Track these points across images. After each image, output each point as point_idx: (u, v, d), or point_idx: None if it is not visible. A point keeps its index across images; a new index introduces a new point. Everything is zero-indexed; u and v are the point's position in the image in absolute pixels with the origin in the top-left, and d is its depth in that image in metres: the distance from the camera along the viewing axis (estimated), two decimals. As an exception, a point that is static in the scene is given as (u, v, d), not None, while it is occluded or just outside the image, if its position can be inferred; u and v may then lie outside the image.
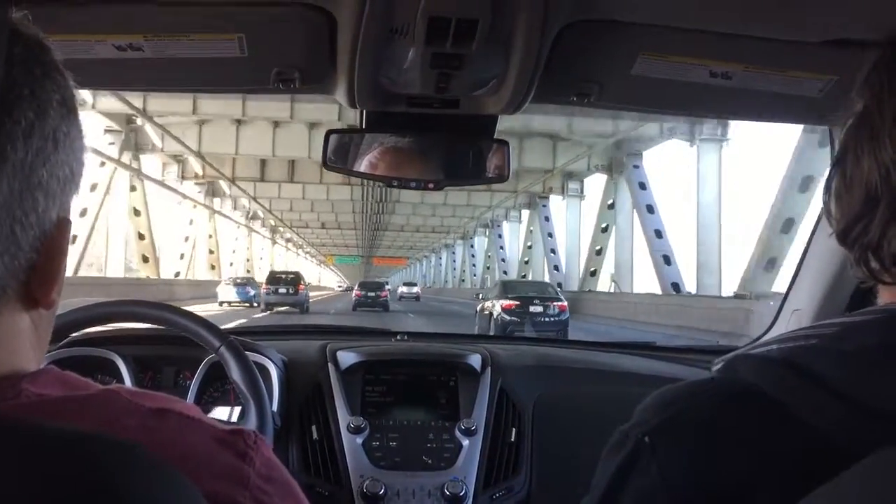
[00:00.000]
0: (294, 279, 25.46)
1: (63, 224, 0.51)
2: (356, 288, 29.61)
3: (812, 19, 0.90)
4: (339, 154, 1.24)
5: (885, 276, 0.55)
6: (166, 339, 1.58)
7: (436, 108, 1.14)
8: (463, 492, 1.42)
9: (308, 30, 0.97)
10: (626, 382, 1.64)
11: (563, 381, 1.68)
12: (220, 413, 1.53)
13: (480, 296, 23.94)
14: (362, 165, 1.23)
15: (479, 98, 1.12)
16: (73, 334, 1.46)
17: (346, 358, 1.60)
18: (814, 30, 0.91)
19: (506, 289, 17.26)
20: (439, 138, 1.24)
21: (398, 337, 1.91)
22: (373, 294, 27.64)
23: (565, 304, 16.44)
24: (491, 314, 16.15)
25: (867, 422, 0.49)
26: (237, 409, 1.50)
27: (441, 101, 1.12)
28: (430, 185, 1.26)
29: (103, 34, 0.95)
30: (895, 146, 0.53)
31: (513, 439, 1.52)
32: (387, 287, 31.23)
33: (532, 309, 15.82)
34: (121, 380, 1.52)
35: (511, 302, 15.89)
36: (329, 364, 1.59)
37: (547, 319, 15.77)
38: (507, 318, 15.49)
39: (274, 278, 25.71)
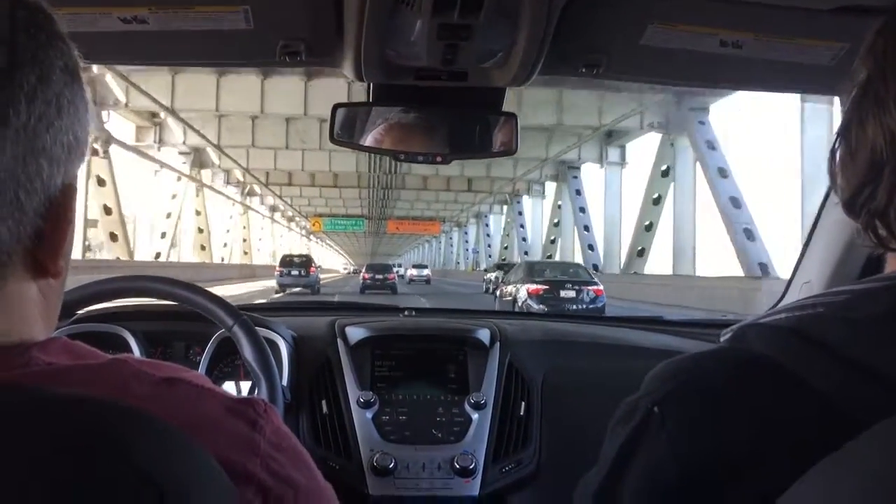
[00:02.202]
0: (305, 262, 27.05)
1: (69, 190, 0.50)
2: (363, 271, 29.96)
3: None
4: (347, 128, 1.24)
5: (893, 243, 0.55)
6: (175, 315, 1.57)
7: (443, 81, 1.13)
8: (472, 465, 1.43)
9: (314, 1, 0.97)
10: (634, 356, 1.63)
11: (572, 356, 1.68)
12: (230, 388, 1.54)
13: (496, 278, 22.98)
14: (369, 139, 1.23)
15: (487, 70, 1.11)
16: (82, 310, 1.46)
17: (355, 333, 1.61)
18: None
19: (531, 271, 15.46)
20: (447, 111, 1.24)
21: (406, 312, 1.91)
22: (381, 277, 27.88)
23: (601, 287, 14.70)
24: (515, 300, 14.64)
25: (877, 389, 0.48)
26: (247, 384, 1.52)
27: (449, 73, 1.11)
28: (438, 159, 1.25)
29: (108, 6, 0.95)
30: None
31: (522, 413, 1.53)
32: (395, 270, 31.21)
33: (563, 294, 14.24)
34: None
35: (539, 286, 14.28)
36: (338, 339, 1.60)
37: (581, 306, 14.10)
38: (535, 304, 13.90)
39: (286, 261, 27.25)
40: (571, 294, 14.24)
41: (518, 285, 14.85)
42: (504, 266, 26.39)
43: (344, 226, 48.26)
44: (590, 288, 14.50)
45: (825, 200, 1.39)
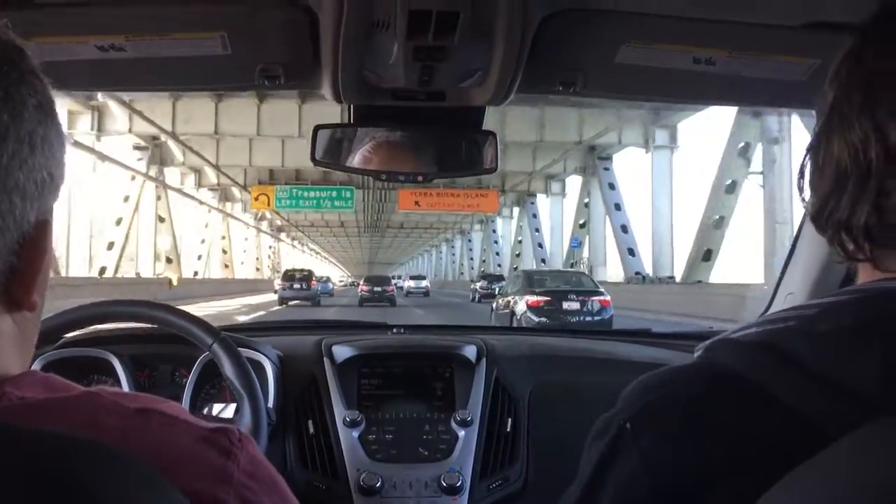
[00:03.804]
0: (307, 276, 28.73)
1: (43, 226, 0.51)
2: (362, 283, 30.47)
3: (793, 2, 0.90)
4: (328, 150, 1.25)
5: (859, 255, 0.56)
6: (161, 338, 1.57)
7: (422, 101, 1.14)
8: (459, 482, 1.43)
9: (290, 26, 0.97)
10: (621, 370, 1.56)
11: (559, 370, 1.68)
12: (217, 410, 1.53)
13: (480, 287, 24.93)
14: (351, 160, 1.23)
15: (465, 90, 1.12)
16: (67, 335, 1.47)
17: (342, 352, 1.60)
18: (796, 13, 0.92)
19: (531, 281, 14.28)
20: (427, 131, 1.25)
21: (394, 330, 1.91)
22: (379, 289, 27.95)
23: (608, 298, 13.61)
24: (513, 313, 13.56)
25: (842, 402, 0.49)
26: (233, 406, 1.51)
27: (427, 93, 1.12)
28: (420, 178, 1.27)
29: (83, 35, 0.95)
30: (863, 127, 0.54)
31: (509, 429, 1.53)
32: (393, 282, 31.51)
33: (566, 305, 13.24)
34: (117, 379, 1.52)
35: (539, 298, 13.25)
36: (324, 358, 1.60)
37: (585, 318, 13.12)
38: (535, 318, 12.86)
39: (288, 276, 29.15)
40: (575, 305, 13.26)
41: (516, 297, 13.81)
42: (488, 276, 30.66)
43: (316, 201, 26.76)
44: (595, 298, 13.48)
45: (806, 213, 1.41)
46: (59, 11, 0.91)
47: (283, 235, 59.28)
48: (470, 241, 52.29)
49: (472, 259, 49.58)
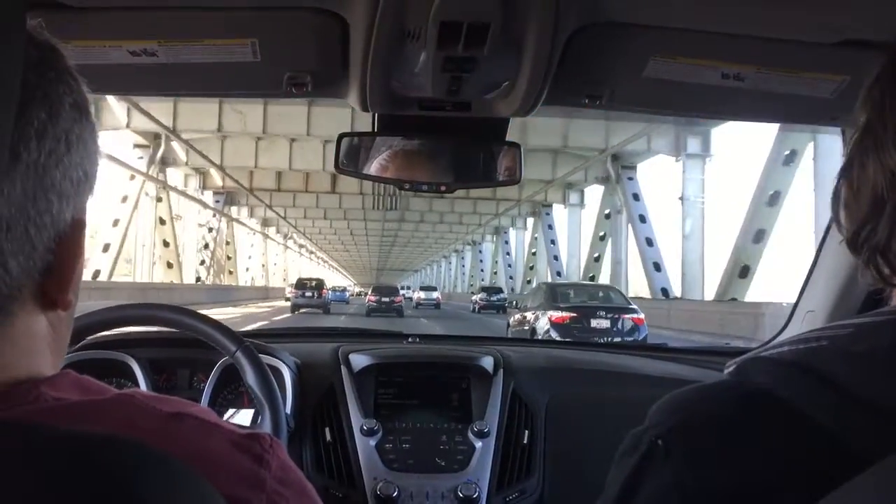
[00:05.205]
0: (318, 285, 30.09)
1: (78, 225, 0.51)
2: (369, 293, 30.86)
3: (824, 20, 0.90)
4: (352, 157, 1.25)
5: (895, 279, 0.56)
6: (179, 342, 1.59)
7: (448, 112, 1.14)
8: (476, 494, 1.42)
9: (320, 34, 0.98)
10: (638, 384, 1.63)
11: (576, 383, 1.68)
12: (234, 416, 1.54)
13: (480, 299, 27.52)
14: (374, 168, 1.24)
15: (491, 101, 1.13)
16: (88, 337, 1.48)
17: (359, 360, 1.61)
18: (826, 30, 0.91)
19: (554, 296, 13.07)
20: (451, 141, 1.25)
21: (410, 339, 1.91)
22: (387, 300, 28.16)
23: (641, 316, 12.35)
24: (533, 331, 12.45)
25: (881, 424, 0.48)
26: (251, 412, 1.53)
27: (453, 104, 1.12)
28: (443, 188, 1.27)
29: (117, 40, 0.96)
30: None
31: (525, 441, 1.53)
32: (402, 292, 31.64)
33: (594, 323, 12.06)
34: (136, 382, 1.53)
35: (564, 314, 12.26)
36: (342, 366, 1.60)
37: (616, 339, 11.48)
38: (559, 337, 11.67)
39: (301, 284, 30.54)
40: (605, 324, 12.10)
41: (538, 312, 12.70)
42: (487, 289, 33.82)
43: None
44: (627, 316, 12.25)
45: (827, 231, 1.40)
46: (94, 16, 0.92)
47: (243, 214, 39.42)
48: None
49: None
